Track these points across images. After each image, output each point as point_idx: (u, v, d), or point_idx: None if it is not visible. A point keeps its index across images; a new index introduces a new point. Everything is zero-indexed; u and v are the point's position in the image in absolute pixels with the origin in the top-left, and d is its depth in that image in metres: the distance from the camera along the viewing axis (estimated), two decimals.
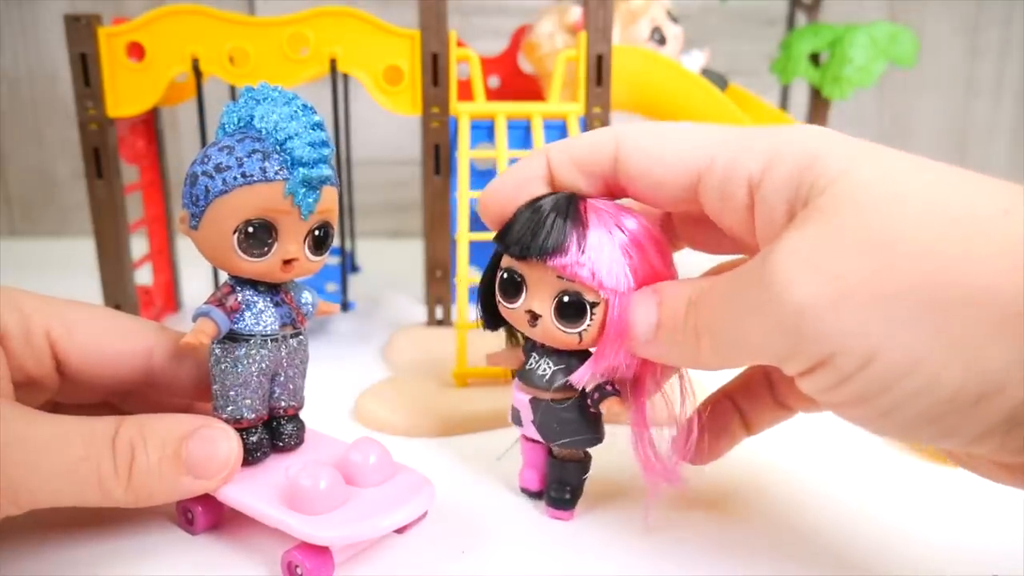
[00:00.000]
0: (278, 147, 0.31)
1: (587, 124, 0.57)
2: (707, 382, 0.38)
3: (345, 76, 0.60)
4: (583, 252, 0.31)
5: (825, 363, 0.25)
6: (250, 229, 0.31)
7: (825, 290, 0.24)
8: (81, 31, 0.52)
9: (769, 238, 0.27)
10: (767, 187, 0.28)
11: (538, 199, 0.32)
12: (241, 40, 0.53)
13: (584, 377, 0.33)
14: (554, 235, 0.31)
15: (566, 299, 0.32)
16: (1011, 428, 0.24)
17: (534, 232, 0.31)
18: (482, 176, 0.58)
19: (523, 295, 0.33)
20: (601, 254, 0.31)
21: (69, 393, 0.36)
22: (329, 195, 0.32)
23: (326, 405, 0.48)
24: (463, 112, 0.56)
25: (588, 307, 0.32)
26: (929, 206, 0.24)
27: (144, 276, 0.63)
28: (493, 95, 0.71)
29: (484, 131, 0.57)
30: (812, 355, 0.25)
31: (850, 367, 0.25)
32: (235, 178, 0.30)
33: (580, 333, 0.32)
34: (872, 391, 0.25)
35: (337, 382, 0.51)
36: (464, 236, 0.51)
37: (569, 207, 0.32)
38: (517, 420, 0.36)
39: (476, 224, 0.50)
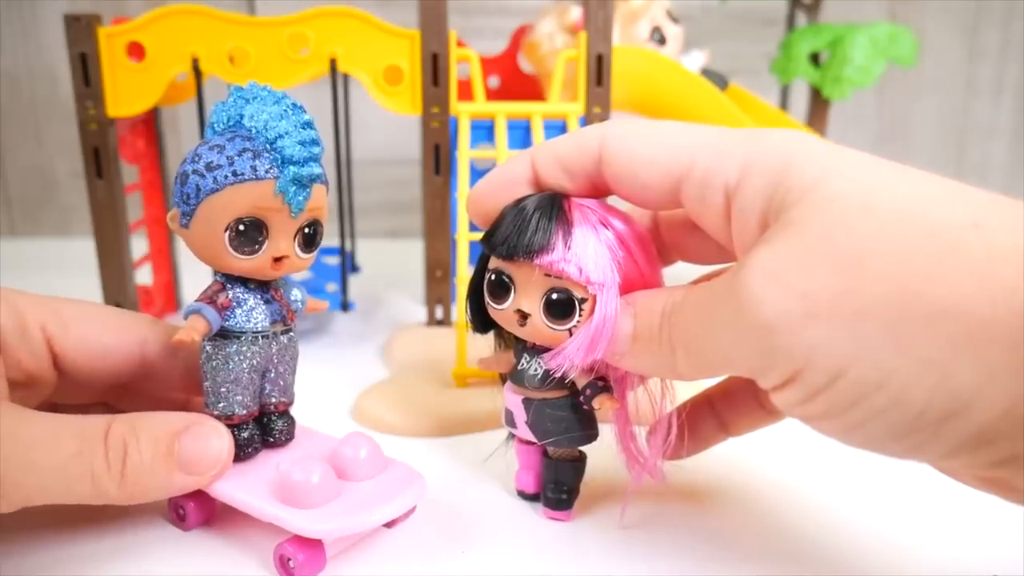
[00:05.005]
0: (268, 146, 0.31)
1: (587, 124, 0.57)
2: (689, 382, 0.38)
3: (345, 76, 0.60)
4: (569, 249, 0.31)
5: (795, 378, 0.25)
6: (241, 227, 0.31)
7: (793, 307, 0.24)
8: (81, 31, 0.52)
9: (745, 247, 0.28)
10: (742, 197, 0.28)
11: (522, 199, 0.33)
12: (241, 40, 0.53)
13: (563, 365, 0.32)
14: (540, 233, 0.31)
15: (554, 296, 0.32)
16: (978, 446, 0.24)
17: (520, 232, 0.31)
18: (482, 176, 0.58)
19: (511, 296, 0.33)
20: (587, 250, 0.31)
21: (66, 391, 0.36)
22: (319, 193, 0.32)
23: (326, 405, 0.48)
24: (463, 112, 0.56)
25: (576, 303, 0.32)
26: (899, 219, 0.24)
27: (144, 276, 0.63)
28: (493, 95, 0.71)
29: (484, 131, 0.57)
30: (783, 370, 0.25)
31: (818, 383, 0.25)
32: (226, 176, 0.30)
33: (570, 330, 0.32)
34: (840, 406, 0.25)
35: (337, 382, 0.51)
36: (464, 236, 0.51)
37: (553, 206, 0.32)
38: (510, 422, 0.36)
39: (476, 224, 0.50)
